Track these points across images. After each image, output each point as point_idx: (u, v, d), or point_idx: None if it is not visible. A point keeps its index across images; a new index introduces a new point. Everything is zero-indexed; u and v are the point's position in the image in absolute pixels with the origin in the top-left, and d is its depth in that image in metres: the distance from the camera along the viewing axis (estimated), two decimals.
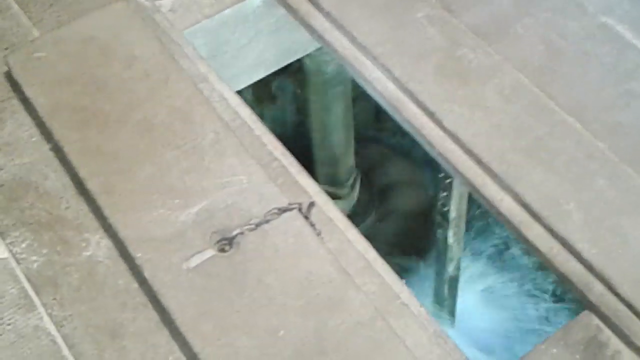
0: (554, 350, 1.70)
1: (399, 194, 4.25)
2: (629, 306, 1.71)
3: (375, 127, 4.43)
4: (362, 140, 4.06)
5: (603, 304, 1.73)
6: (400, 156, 4.37)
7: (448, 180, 3.09)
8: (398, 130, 4.08)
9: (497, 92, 2.06)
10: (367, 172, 4.15)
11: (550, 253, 1.81)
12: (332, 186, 3.81)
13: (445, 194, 3.12)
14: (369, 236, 1.94)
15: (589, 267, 1.77)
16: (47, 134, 1.99)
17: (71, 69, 2.08)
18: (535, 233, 1.85)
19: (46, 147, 1.98)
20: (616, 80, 2.07)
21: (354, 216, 3.85)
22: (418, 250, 4.04)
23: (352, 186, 3.93)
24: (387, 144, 4.42)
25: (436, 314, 3.60)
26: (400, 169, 4.35)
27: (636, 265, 1.76)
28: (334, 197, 3.75)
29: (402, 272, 3.79)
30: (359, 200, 4.05)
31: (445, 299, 3.59)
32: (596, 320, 1.74)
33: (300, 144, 3.82)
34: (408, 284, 1.81)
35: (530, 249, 1.86)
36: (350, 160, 3.83)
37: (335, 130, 3.56)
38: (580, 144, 1.96)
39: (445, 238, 3.30)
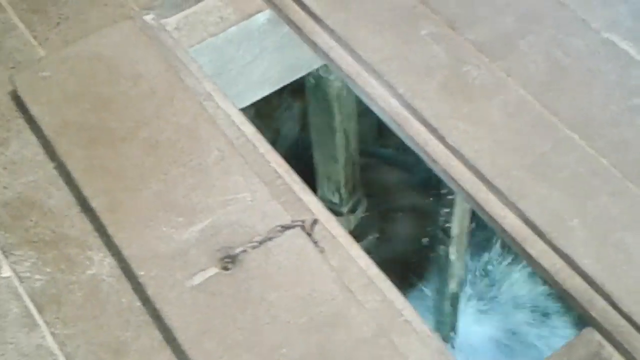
0: None
1: (402, 215, 4.26)
2: (631, 322, 1.71)
3: (379, 144, 4.44)
4: (365, 157, 4.07)
5: (606, 320, 1.73)
6: (404, 173, 4.37)
7: (450, 197, 3.09)
8: (402, 147, 4.09)
9: (501, 108, 2.07)
10: (370, 190, 4.15)
11: (553, 269, 1.81)
12: (333, 204, 3.82)
13: (447, 210, 3.11)
14: (371, 254, 1.94)
15: (592, 283, 1.76)
16: (52, 152, 2.01)
17: (77, 87, 2.10)
18: (538, 249, 1.84)
19: (51, 165, 2.00)
20: (620, 96, 2.07)
21: (356, 234, 3.84)
22: (420, 269, 4.04)
23: (355, 205, 3.93)
24: (391, 160, 4.43)
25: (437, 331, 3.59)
26: (403, 187, 4.35)
27: (639, 282, 1.75)
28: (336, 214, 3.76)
29: (404, 289, 3.80)
30: (361, 218, 4.05)
31: (447, 316, 3.58)
32: (598, 337, 1.73)
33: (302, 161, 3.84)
34: (410, 301, 1.81)
35: (533, 265, 1.85)
36: (353, 178, 3.83)
37: (337, 148, 3.57)
38: (584, 160, 1.96)
39: (447, 254, 3.30)
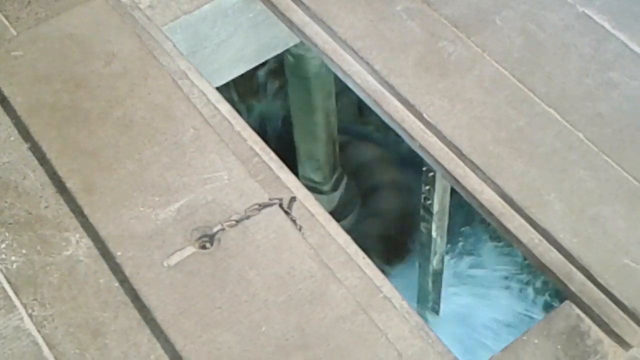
0: (536, 341, 1.70)
1: (383, 192, 4.25)
2: (609, 295, 1.72)
3: (359, 122, 4.43)
4: (345, 135, 4.06)
5: (584, 293, 1.74)
6: (384, 151, 4.37)
7: (431, 174, 3.08)
8: (381, 125, 4.09)
9: (477, 84, 2.07)
10: (351, 168, 4.14)
11: (531, 244, 1.82)
12: (315, 183, 3.81)
13: (427, 187, 3.11)
14: (353, 232, 1.94)
15: (569, 257, 1.77)
16: (25, 133, 1.98)
17: (49, 67, 2.07)
18: (516, 224, 1.85)
19: (25, 146, 1.97)
20: (596, 70, 2.07)
21: (337, 213, 3.84)
22: (402, 247, 4.04)
23: (336, 183, 3.92)
24: (371, 139, 4.42)
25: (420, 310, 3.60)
26: (383, 164, 4.34)
27: (616, 254, 1.76)
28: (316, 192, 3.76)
29: (386, 268, 3.81)
30: (341, 197, 4.04)
31: (429, 293, 3.59)
32: (577, 310, 1.74)
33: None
34: (391, 279, 1.81)
35: (511, 240, 1.86)
36: (333, 157, 3.82)
37: (317, 126, 3.55)
38: (561, 134, 1.96)
39: (429, 232, 3.29)
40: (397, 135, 2.10)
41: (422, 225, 3.36)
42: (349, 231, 1.89)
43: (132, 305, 1.73)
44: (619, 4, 2.21)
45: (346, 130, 4.18)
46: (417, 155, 2.09)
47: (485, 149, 1.94)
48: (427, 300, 3.62)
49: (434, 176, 3.07)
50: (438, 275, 3.57)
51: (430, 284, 3.60)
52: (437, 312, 3.73)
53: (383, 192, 4.25)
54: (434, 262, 3.49)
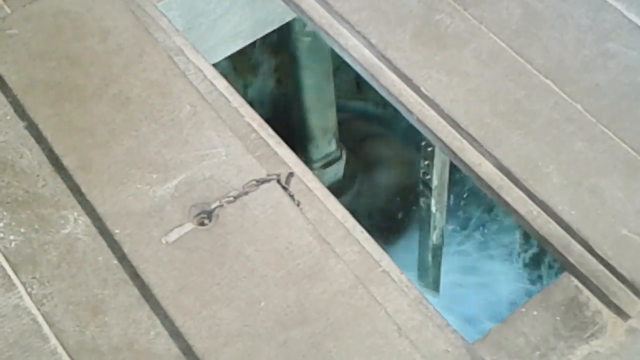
0: (534, 313, 1.70)
1: (382, 167, 4.26)
2: (608, 266, 1.72)
3: (358, 97, 4.42)
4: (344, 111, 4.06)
5: (582, 265, 1.74)
6: (383, 127, 4.37)
7: (430, 149, 3.08)
8: (380, 100, 4.08)
9: (474, 56, 2.06)
10: (350, 144, 4.15)
11: (529, 216, 1.81)
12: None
13: (426, 162, 3.10)
14: (352, 207, 1.94)
15: (568, 229, 1.77)
16: (21, 111, 1.97)
17: (44, 44, 2.06)
18: (514, 196, 1.85)
19: (21, 125, 1.96)
20: (593, 41, 2.06)
21: (337, 189, 3.85)
22: (401, 222, 4.05)
23: (333, 161, 3.94)
24: (369, 114, 4.41)
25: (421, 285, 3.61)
26: (382, 140, 4.34)
27: (614, 226, 1.76)
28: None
29: (385, 243, 3.82)
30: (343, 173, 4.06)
31: (429, 268, 3.59)
32: (575, 282, 1.74)
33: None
34: (391, 254, 1.81)
35: (509, 212, 1.86)
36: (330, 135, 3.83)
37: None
38: (558, 106, 1.95)
39: (429, 206, 3.30)
40: (395, 110, 2.10)
41: (422, 200, 3.36)
42: (350, 204, 1.89)
43: (131, 282, 1.73)
44: None
45: (345, 106, 4.18)
46: (415, 130, 2.09)
47: (483, 121, 1.94)
48: (428, 275, 3.63)
49: (432, 151, 3.07)
50: (438, 250, 3.57)
51: (430, 259, 3.61)
52: (437, 290, 3.74)
53: (383, 168, 4.25)
54: (434, 237, 3.50)
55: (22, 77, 2.00)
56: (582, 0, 2.14)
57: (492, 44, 2.07)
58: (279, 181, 1.83)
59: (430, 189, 3.27)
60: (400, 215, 4.12)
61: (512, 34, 2.09)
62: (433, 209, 3.34)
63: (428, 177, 3.24)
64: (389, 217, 4.07)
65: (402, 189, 4.15)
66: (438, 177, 3.20)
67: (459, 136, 1.95)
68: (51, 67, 2.01)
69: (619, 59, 2.02)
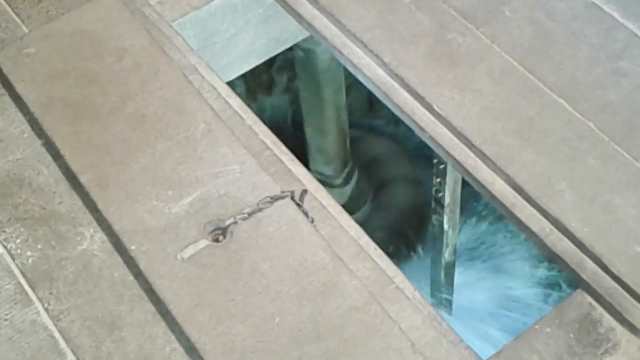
0: (548, 330, 1.71)
1: (394, 186, 4.27)
2: (621, 283, 1.72)
3: (370, 115, 4.44)
4: (356, 129, 4.07)
5: (595, 282, 1.74)
6: (395, 144, 4.38)
7: (442, 166, 3.09)
8: (392, 118, 4.10)
9: (486, 74, 2.07)
10: (362, 162, 4.16)
11: (542, 233, 1.82)
12: (326, 177, 3.83)
13: (439, 179, 3.11)
14: (364, 224, 1.95)
15: (581, 246, 1.78)
16: (38, 129, 2.00)
17: (61, 63, 2.09)
18: (527, 214, 1.86)
19: (38, 142, 1.99)
20: (605, 59, 2.07)
21: (348, 207, 3.86)
22: (414, 239, 4.05)
23: (347, 177, 3.94)
24: (382, 132, 4.43)
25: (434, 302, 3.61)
26: (395, 159, 4.35)
27: (627, 243, 1.77)
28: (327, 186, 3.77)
29: (399, 260, 3.82)
30: (353, 191, 4.06)
31: (442, 285, 3.59)
32: (589, 299, 1.75)
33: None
34: (404, 271, 1.82)
35: (522, 230, 1.86)
36: (344, 150, 3.84)
37: (327, 120, 3.57)
38: (571, 123, 1.96)
39: (441, 224, 3.30)
40: (407, 127, 2.11)
41: (434, 217, 3.37)
42: (362, 222, 1.90)
43: (147, 298, 1.75)
44: None
45: (357, 124, 4.20)
46: (427, 147, 2.10)
47: (496, 139, 1.95)
48: (440, 292, 3.63)
49: (444, 168, 3.08)
50: (450, 267, 3.57)
51: (442, 277, 3.61)
52: (449, 307, 3.74)
53: (395, 186, 4.26)
54: (446, 254, 3.50)
55: (39, 96, 2.03)
56: (594, 19, 2.15)
57: (504, 62, 2.09)
58: (292, 198, 1.85)
59: (442, 206, 3.28)
60: (412, 234, 4.12)
61: (524, 52, 2.10)
62: (445, 226, 3.34)
63: (440, 194, 3.25)
64: (401, 235, 4.08)
65: (415, 207, 4.16)
66: (450, 194, 3.20)
67: (471, 154, 1.96)
68: (68, 86, 2.04)
69: (631, 77, 2.03)
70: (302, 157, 2.09)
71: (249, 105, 2.10)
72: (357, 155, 4.07)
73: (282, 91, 4.26)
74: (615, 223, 1.80)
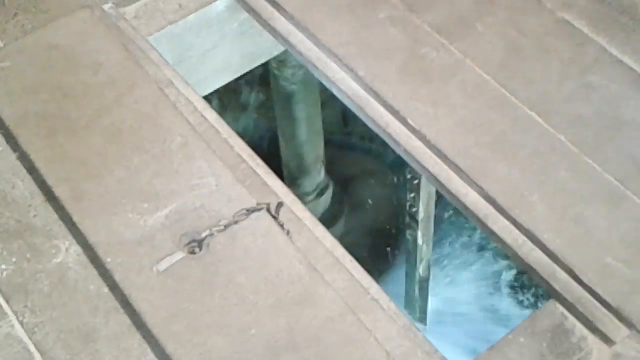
0: (522, 340, 1.73)
1: (369, 201, 4.30)
2: (593, 293, 1.75)
3: (344, 132, 4.47)
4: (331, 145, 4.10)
5: (568, 292, 1.76)
6: (369, 160, 4.41)
7: (416, 181, 3.12)
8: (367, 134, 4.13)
9: (460, 89, 2.10)
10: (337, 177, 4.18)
11: (515, 245, 1.84)
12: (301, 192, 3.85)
13: (413, 195, 3.14)
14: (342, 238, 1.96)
15: (554, 257, 1.80)
16: (14, 143, 1.99)
17: (36, 77, 2.09)
18: (500, 225, 1.88)
19: (13, 156, 1.98)
20: (576, 74, 2.11)
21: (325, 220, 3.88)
22: (388, 255, 4.08)
23: (323, 190, 3.96)
24: (356, 147, 4.46)
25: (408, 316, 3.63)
26: (369, 174, 4.39)
27: (598, 253, 1.79)
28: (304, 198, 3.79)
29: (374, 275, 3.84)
30: (330, 205, 4.08)
31: (416, 301, 3.61)
32: (561, 309, 1.77)
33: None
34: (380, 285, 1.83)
35: (496, 241, 1.89)
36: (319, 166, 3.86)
37: (302, 135, 3.59)
38: (543, 137, 1.99)
39: (415, 239, 3.32)
40: (382, 143, 2.13)
41: (408, 232, 3.39)
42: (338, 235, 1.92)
43: (122, 310, 1.75)
44: (596, 10, 2.25)
45: (331, 140, 4.22)
46: (401, 163, 2.12)
47: (469, 152, 1.97)
48: (415, 307, 3.64)
49: (419, 183, 3.11)
50: (425, 282, 3.60)
51: (417, 292, 3.63)
52: (424, 322, 3.76)
53: (369, 202, 4.29)
54: (421, 269, 3.53)
55: (15, 110, 2.03)
56: (565, 35, 2.19)
57: (477, 77, 2.12)
58: (269, 210, 1.86)
59: (416, 221, 3.30)
60: (387, 248, 4.15)
61: (496, 67, 2.13)
62: (420, 241, 3.37)
63: (415, 209, 3.28)
64: (377, 249, 4.10)
65: (389, 222, 4.19)
66: (424, 209, 3.23)
67: (445, 167, 1.98)
68: (44, 100, 2.04)
69: (601, 91, 2.07)
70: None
71: (224, 119, 2.11)
72: (332, 170, 4.10)
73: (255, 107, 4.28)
74: (587, 234, 1.83)
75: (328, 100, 3.58)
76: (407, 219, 3.34)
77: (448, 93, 2.09)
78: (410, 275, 3.58)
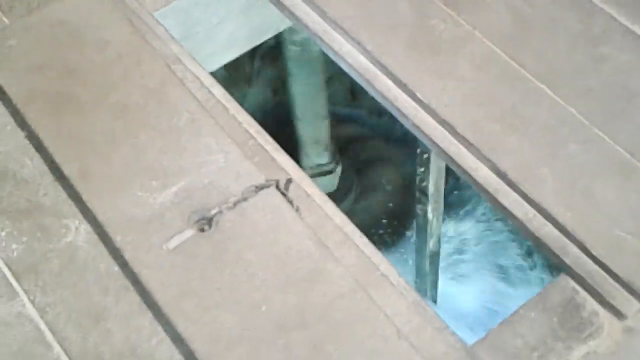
0: (532, 314, 1.72)
1: (378, 173, 4.29)
2: (603, 267, 1.74)
3: (352, 105, 4.46)
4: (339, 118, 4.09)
5: (578, 266, 1.76)
6: (379, 134, 4.40)
7: (425, 156, 3.11)
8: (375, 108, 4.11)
9: (468, 61, 2.08)
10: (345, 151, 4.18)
11: (525, 219, 1.83)
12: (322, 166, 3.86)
13: (422, 169, 3.13)
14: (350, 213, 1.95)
15: (564, 231, 1.79)
16: (21, 122, 1.99)
17: (43, 55, 2.08)
18: (510, 200, 1.87)
19: (21, 135, 1.98)
20: (585, 45, 2.09)
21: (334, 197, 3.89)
22: (399, 229, 4.08)
23: (337, 159, 3.96)
24: (365, 122, 4.45)
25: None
26: (378, 147, 4.37)
27: (609, 227, 1.78)
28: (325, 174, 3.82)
29: (384, 249, 3.85)
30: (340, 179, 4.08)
31: (426, 275, 3.61)
32: (572, 283, 1.76)
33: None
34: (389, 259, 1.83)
35: (506, 215, 1.88)
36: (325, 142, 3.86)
37: (322, 108, 3.59)
38: (552, 109, 1.98)
39: (425, 213, 3.32)
40: (390, 117, 2.12)
41: (418, 207, 3.39)
42: (349, 210, 1.91)
43: (132, 289, 1.75)
44: None
45: (340, 113, 4.22)
46: (411, 138, 2.11)
47: (479, 126, 1.96)
48: (425, 282, 3.65)
49: (428, 157, 3.09)
50: (435, 256, 3.59)
51: (427, 266, 3.63)
52: (434, 300, 3.77)
53: (379, 177, 4.29)
54: (431, 243, 3.52)
55: (21, 88, 2.02)
56: (572, 5, 2.16)
57: (485, 48, 2.10)
58: (277, 187, 1.85)
59: (426, 195, 3.29)
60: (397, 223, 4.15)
61: (504, 39, 2.11)
62: (430, 215, 3.36)
63: (424, 184, 3.27)
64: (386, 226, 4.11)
65: (399, 195, 4.18)
66: (434, 183, 3.22)
67: (455, 141, 1.97)
68: (50, 78, 2.03)
69: (611, 62, 2.05)
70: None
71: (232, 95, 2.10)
72: (342, 145, 4.09)
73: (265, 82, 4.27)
74: (596, 207, 1.82)
75: (335, 75, 3.57)
76: (417, 194, 3.34)
77: (456, 65, 2.07)
78: (420, 249, 3.58)
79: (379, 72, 2.09)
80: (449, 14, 2.16)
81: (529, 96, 2.00)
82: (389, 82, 2.07)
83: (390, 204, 4.20)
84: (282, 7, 2.27)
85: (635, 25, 2.12)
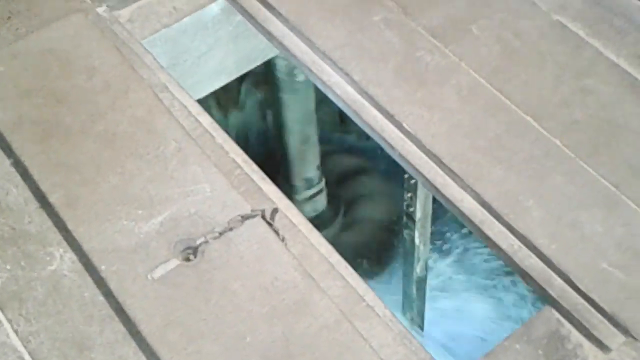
0: (517, 346, 1.72)
1: (366, 201, 4.29)
2: (588, 300, 1.74)
3: (340, 131, 4.46)
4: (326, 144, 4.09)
5: (563, 298, 1.76)
6: (367, 159, 4.40)
7: (413, 181, 3.11)
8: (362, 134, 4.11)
9: (455, 92, 2.09)
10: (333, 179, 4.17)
11: (510, 250, 1.84)
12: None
13: (410, 194, 3.13)
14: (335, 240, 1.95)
15: (549, 263, 1.80)
16: (7, 148, 1.99)
17: (30, 82, 2.08)
18: (495, 231, 1.88)
19: (7, 162, 1.98)
20: (571, 77, 2.11)
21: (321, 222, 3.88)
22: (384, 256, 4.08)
23: (318, 193, 3.96)
24: (352, 148, 4.45)
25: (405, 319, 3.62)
26: (366, 173, 4.37)
27: (594, 259, 1.79)
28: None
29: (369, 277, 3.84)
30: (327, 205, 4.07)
31: (413, 301, 3.60)
32: (557, 315, 1.77)
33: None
34: (375, 288, 1.83)
35: (491, 246, 1.88)
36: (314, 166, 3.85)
37: (297, 136, 3.59)
38: (538, 141, 1.99)
39: (412, 239, 3.32)
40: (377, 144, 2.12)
41: (405, 232, 3.38)
42: (331, 240, 1.91)
43: (117, 318, 1.74)
44: (592, 12, 2.25)
45: (328, 139, 4.22)
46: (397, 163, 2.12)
47: (464, 156, 1.97)
48: (412, 307, 3.64)
49: (415, 183, 3.09)
50: (422, 282, 3.59)
51: (414, 291, 3.62)
52: (421, 327, 3.76)
53: (366, 201, 4.28)
54: (418, 269, 3.52)
55: (8, 114, 2.02)
56: (560, 38, 2.18)
57: (472, 80, 2.11)
58: (263, 217, 1.85)
59: (413, 221, 3.29)
60: (384, 248, 4.14)
61: (491, 70, 2.13)
62: (417, 241, 3.36)
63: (411, 209, 3.27)
64: (373, 250, 4.10)
65: (386, 221, 4.18)
66: (421, 209, 3.22)
67: (440, 171, 1.98)
68: (38, 105, 2.03)
69: (596, 95, 2.07)
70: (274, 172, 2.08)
71: (219, 123, 2.11)
72: (329, 170, 4.09)
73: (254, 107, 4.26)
74: (582, 239, 1.82)
75: (325, 99, 3.56)
76: (404, 219, 3.34)
77: (443, 97, 2.08)
78: (407, 275, 3.58)
79: (366, 103, 2.10)
80: (435, 45, 2.18)
81: (514, 127, 2.02)
82: (376, 113, 2.08)
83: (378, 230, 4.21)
84: (271, 37, 2.28)
85: (621, 58, 2.14)
